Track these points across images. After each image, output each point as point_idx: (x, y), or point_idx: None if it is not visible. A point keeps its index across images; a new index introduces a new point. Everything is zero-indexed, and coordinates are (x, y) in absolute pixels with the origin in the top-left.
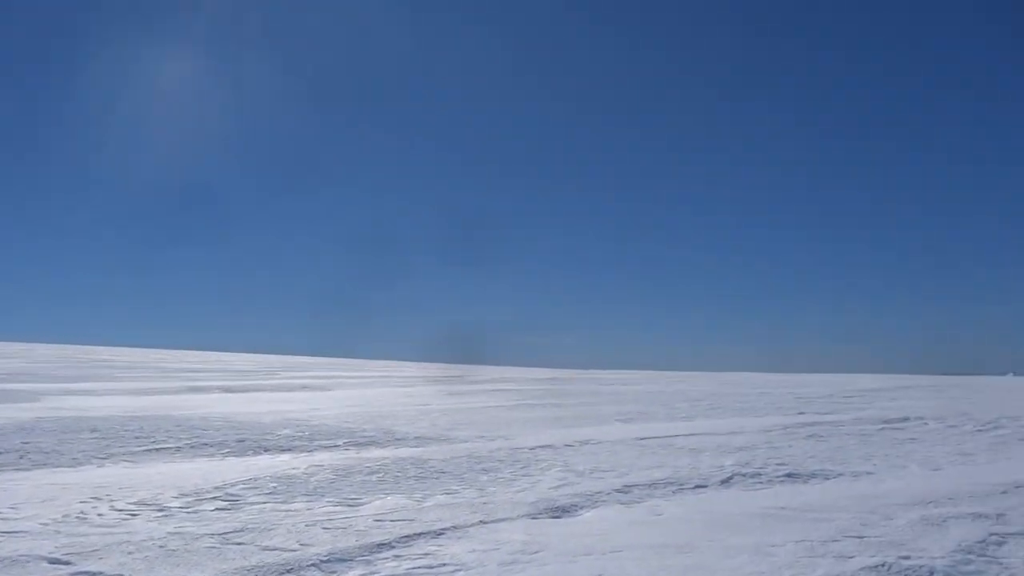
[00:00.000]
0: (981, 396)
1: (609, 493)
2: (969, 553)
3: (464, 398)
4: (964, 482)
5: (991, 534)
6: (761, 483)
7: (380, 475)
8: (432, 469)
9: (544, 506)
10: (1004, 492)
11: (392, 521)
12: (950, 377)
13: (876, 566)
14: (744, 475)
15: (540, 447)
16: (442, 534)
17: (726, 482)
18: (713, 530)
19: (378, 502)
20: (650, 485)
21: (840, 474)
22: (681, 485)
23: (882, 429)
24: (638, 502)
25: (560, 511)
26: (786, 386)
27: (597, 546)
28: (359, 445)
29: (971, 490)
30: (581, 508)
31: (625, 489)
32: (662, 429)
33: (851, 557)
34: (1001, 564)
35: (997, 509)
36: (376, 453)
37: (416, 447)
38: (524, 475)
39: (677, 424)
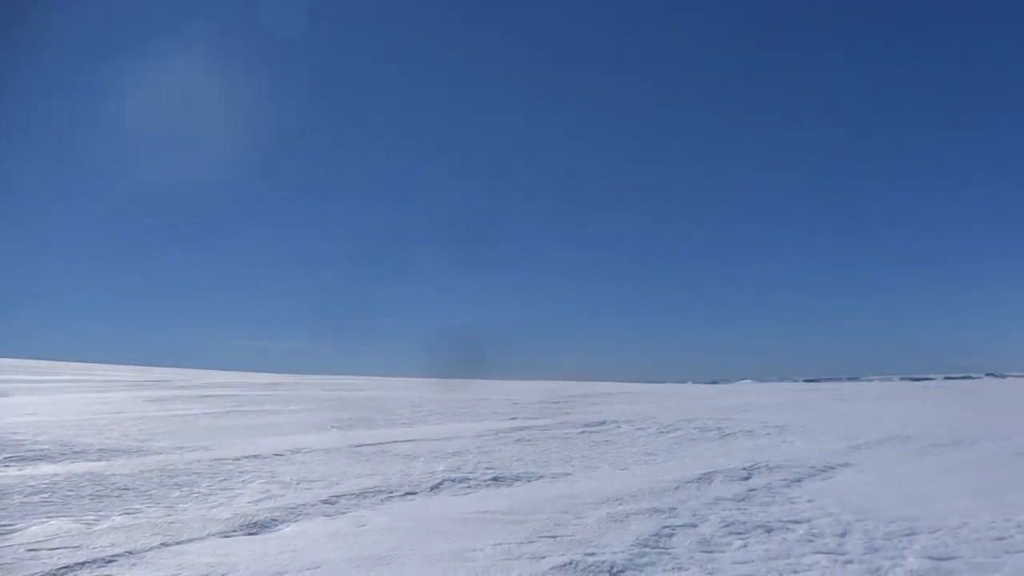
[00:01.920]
0: (667, 402)
1: (314, 505)
2: (645, 546)
3: (168, 404)
4: (646, 480)
5: (664, 527)
6: (469, 488)
7: (46, 495)
8: (114, 486)
9: (240, 522)
10: (676, 488)
11: (51, 550)
12: (646, 384)
13: (565, 565)
14: (454, 480)
15: (246, 457)
16: (112, 561)
17: (435, 488)
18: (416, 538)
19: (37, 528)
20: (359, 494)
21: (541, 476)
22: (390, 493)
23: (582, 432)
24: (344, 513)
25: (258, 527)
26: (505, 392)
27: (292, 564)
28: (25, 460)
29: (651, 487)
30: (281, 523)
31: (332, 500)
32: (380, 436)
33: (543, 557)
34: (670, 554)
35: (670, 504)
36: (45, 469)
37: (98, 461)
38: (223, 489)
39: (396, 430)
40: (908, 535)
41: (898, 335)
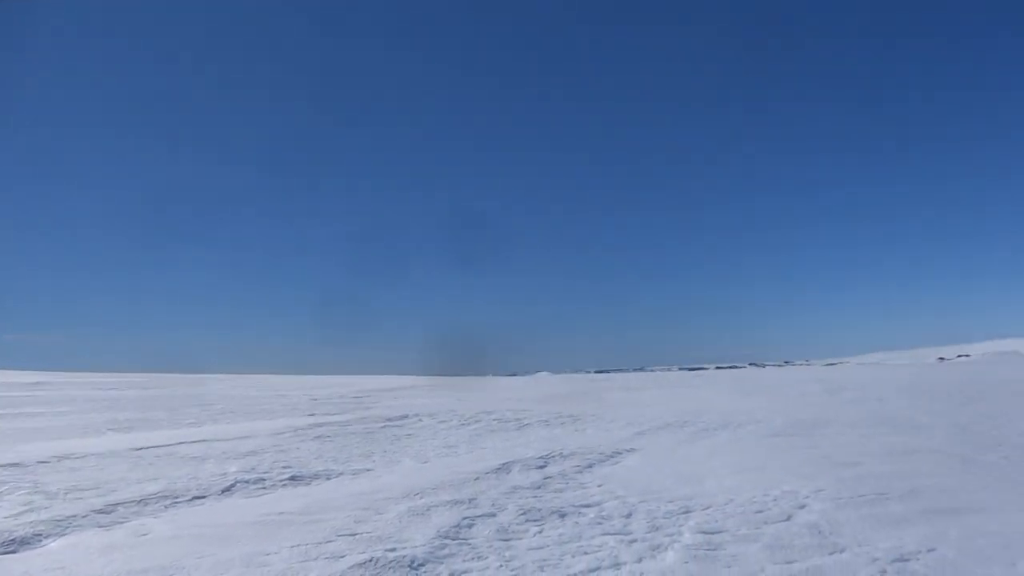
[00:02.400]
0: (467, 395)
1: (86, 516)
2: (446, 538)
3: None
4: (447, 472)
5: (464, 518)
6: (264, 489)
7: None
8: None
9: None
10: (476, 479)
11: None
12: (443, 378)
13: (365, 562)
14: (247, 482)
15: (4, 466)
16: None
17: (227, 491)
18: (205, 545)
19: None
20: (139, 502)
21: (341, 473)
22: (176, 499)
23: (384, 427)
24: (121, 523)
25: (18, 544)
26: (303, 388)
27: None
28: None
29: (452, 479)
30: (47, 537)
31: (107, 509)
32: (165, 437)
33: (343, 556)
34: (470, 544)
35: (470, 494)
36: None
37: None
38: None
39: (183, 431)
40: (684, 512)
41: (678, 329)
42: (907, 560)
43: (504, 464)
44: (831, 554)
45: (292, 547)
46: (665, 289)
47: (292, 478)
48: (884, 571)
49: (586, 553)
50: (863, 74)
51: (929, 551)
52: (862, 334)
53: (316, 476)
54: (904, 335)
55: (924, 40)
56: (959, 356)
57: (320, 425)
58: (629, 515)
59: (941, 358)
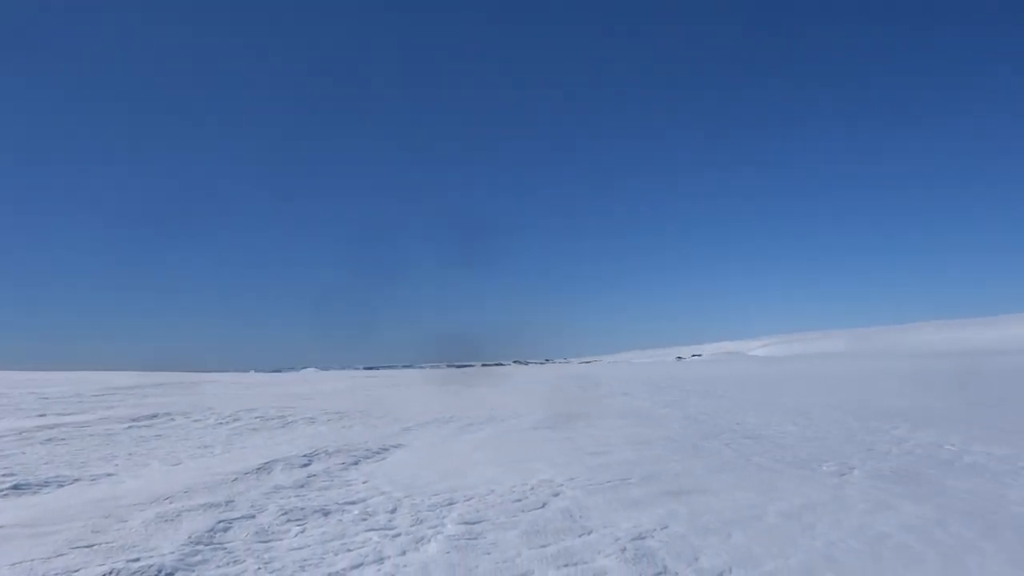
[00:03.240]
0: (228, 391)
1: None
2: (198, 544)
3: None
4: (202, 474)
5: (219, 521)
6: None
7: None
8: None
9: None
10: (235, 480)
11: None
12: (204, 375)
13: (104, 575)
14: None
15: None
16: None
17: None
18: None
19: None
20: None
21: (78, 479)
22: None
23: (129, 427)
24: None
25: None
26: (29, 385)
27: None
28: None
29: (207, 481)
30: None
31: None
32: None
33: (76, 571)
34: (225, 549)
35: (227, 496)
36: None
37: None
38: None
39: None
40: (448, 505)
41: (438, 328)
42: (644, 538)
43: (265, 464)
44: (580, 536)
45: (13, 565)
46: (433, 288)
47: (15, 487)
48: (624, 548)
49: (349, 550)
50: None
51: (663, 528)
52: (614, 335)
53: (45, 483)
54: (648, 337)
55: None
56: (693, 355)
57: (53, 427)
58: (394, 510)
59: (679, 357)
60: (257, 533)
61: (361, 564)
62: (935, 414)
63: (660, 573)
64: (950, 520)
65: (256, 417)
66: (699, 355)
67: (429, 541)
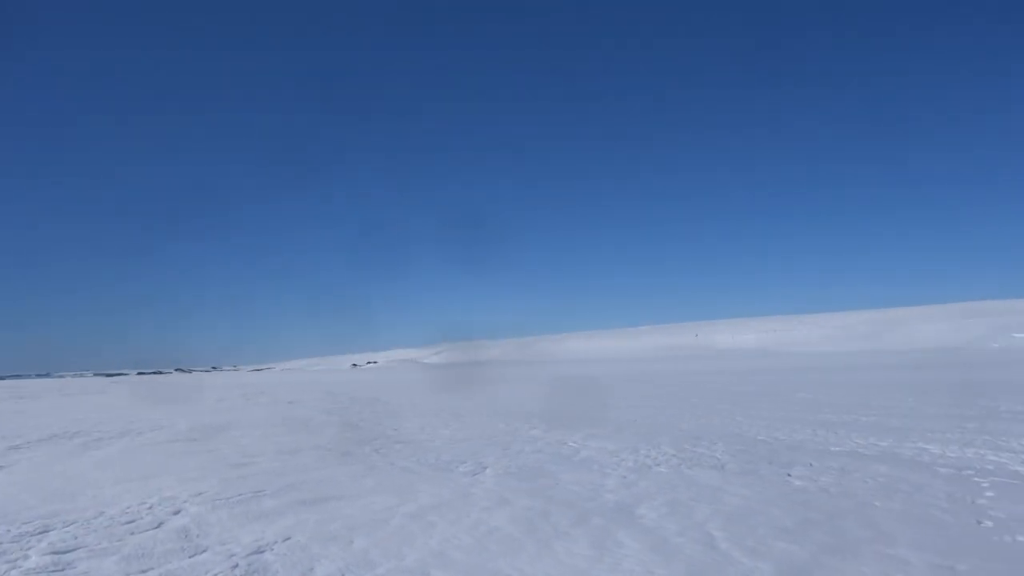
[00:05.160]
0: None
1: None
2: None
3: None
4: None
5: None
6: None
7: None
8: None
9: None
10: None
11: None
12: None
13: None
14: None
15: None
16: None
17: None
18: None
19: None
20: None
21: None
22: None
23: None
24: None
25: None
26: None
27: None
28: None
29: None
30: None
31: None
32: None
33: None
34: None
35: None
36: None
37: None
38: None
39: None
40: (41, 532)
41: (94, 332)
42: (262, 552)
43: None
44: (191, 556)
45: None
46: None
47: None
48: (237, 565)
49: None
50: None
51: (285, 540)
52: (286, 341)
53: None
54: (324, 345)
55: None
56: (369, 363)
57: None
58: None
59: (354, 364)
60: None
61: None
62: (567, 415)
63: None
64: (553, 511)
65: None
66: (375, 362)
67: None
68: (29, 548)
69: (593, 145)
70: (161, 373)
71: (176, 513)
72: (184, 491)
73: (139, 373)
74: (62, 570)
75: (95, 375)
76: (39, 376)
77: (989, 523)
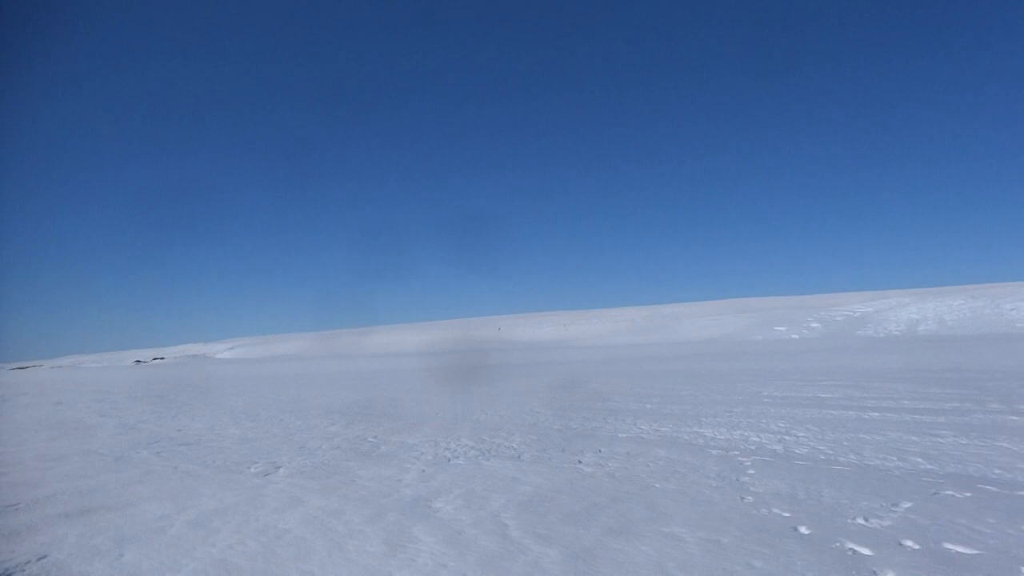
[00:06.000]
0: None
1: None
2: None
3: None
4: None
5: None
6: None
7: None
8: None
9: None
10: None
11: None
12: None
13: None
14: None
15: None
16: None
17: None
18: None
19: None
20: None
21: None
22: None
23: None
24: None
25: None
26: None
27: None
28: None
29: None
30: None
31: None
32: None
33: None
34: None
35: None
36: None
37: None
38: None
39: None
40: None
41: None
42: (12, 573)
43: None
44: None
45: None
46: None
47: None
48: None
49: None
50: None
51: (40, 559)
52: (57, 337)
53: None
54: (98, 340)
55: None
56: (155, 359)
57: None
58: None
59: (138, 361)
60: None
61: None
62: (369, 410)
63: None
64: (347, 509)
65: None
66: (162, 358)
67: None
68: None
69: None
70: None
71: None
72: None
73: None
74: None
75: None
76: None
77: (750, 498)
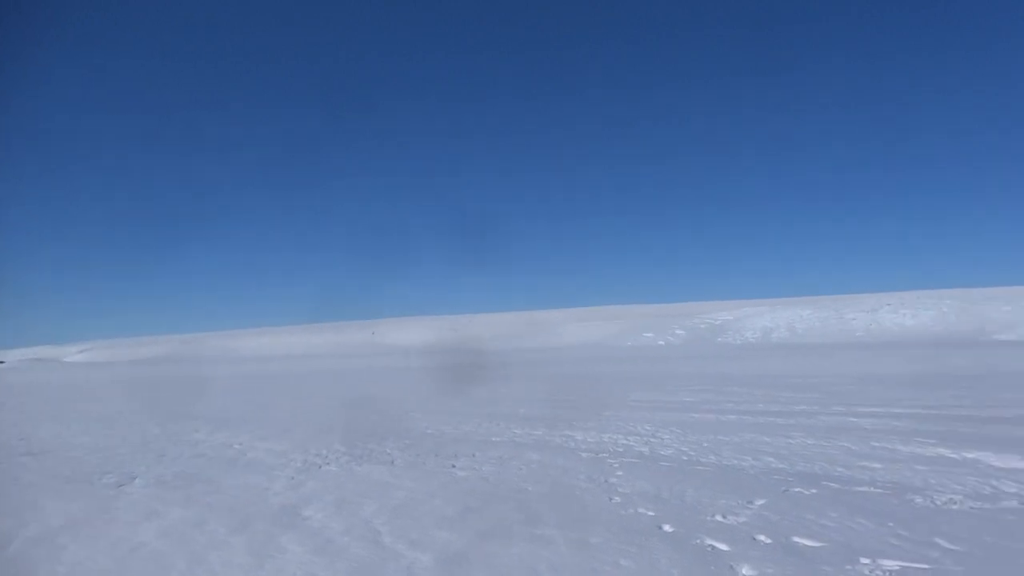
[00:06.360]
0: None
1: None
2: None
3: None
4: None
5: None
6: None
7: None
8: None
9: None
10: None
11: None
12: None
13: None
14: None
15: None
16: None
17: None
18: None
19: None
20: None
21: None
22: None
23: None
24: None
25: None
26: None
27: None
28: None
29: None
30: None
31: None
32: None
33: None
34: None
35: None
36: None
37: None
38: None
39: None
40: None
41: None
42: None
43: None
44: None
45: None
46: None
47: None
48: None
49: None
50: None
51: None
52: None
53: None
54: None
55: None
56: None
57: None
58: None
59: None
60: None
61: None
62: (232, 416)
63: None
64: (211, 519)
65: None
66: (2, 362)
67: None
68: None
69: None
70: None
71: None
72: None
73: None
74: None
75: None
76: None
77: (618, 499)
